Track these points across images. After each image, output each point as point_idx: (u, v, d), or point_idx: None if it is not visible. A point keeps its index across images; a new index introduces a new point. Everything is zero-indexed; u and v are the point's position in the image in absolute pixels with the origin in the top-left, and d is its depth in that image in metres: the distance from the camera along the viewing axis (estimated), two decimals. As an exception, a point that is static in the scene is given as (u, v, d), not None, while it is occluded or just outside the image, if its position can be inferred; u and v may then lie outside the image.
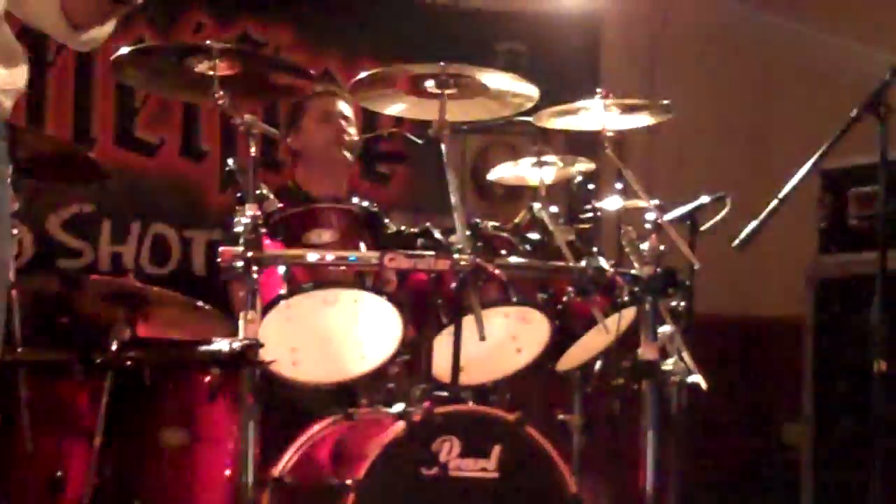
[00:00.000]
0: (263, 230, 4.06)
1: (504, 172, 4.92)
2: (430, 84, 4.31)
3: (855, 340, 4.72)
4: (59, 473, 4.14)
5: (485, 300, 4.27)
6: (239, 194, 4.12)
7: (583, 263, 4.40)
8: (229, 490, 4.15)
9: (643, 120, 4.66)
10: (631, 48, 7.22)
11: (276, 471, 4.31)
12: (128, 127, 6.16)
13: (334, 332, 4.37)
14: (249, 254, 3.98)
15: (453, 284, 4.20)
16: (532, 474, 4.20)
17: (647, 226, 4.35)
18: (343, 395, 4.58)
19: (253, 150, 4.09)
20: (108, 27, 3.22)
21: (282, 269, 4.27)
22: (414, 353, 4.43)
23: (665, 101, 4.59)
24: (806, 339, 5.56)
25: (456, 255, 4.13)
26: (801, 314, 5.62)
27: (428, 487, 4.07)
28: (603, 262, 4.40)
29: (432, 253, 4.27)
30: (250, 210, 4.02)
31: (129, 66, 4.20)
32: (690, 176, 6.24)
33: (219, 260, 4.02)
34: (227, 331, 4.33)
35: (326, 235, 4.42)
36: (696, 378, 4.14)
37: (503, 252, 4.50)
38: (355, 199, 4.74)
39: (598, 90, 4.49)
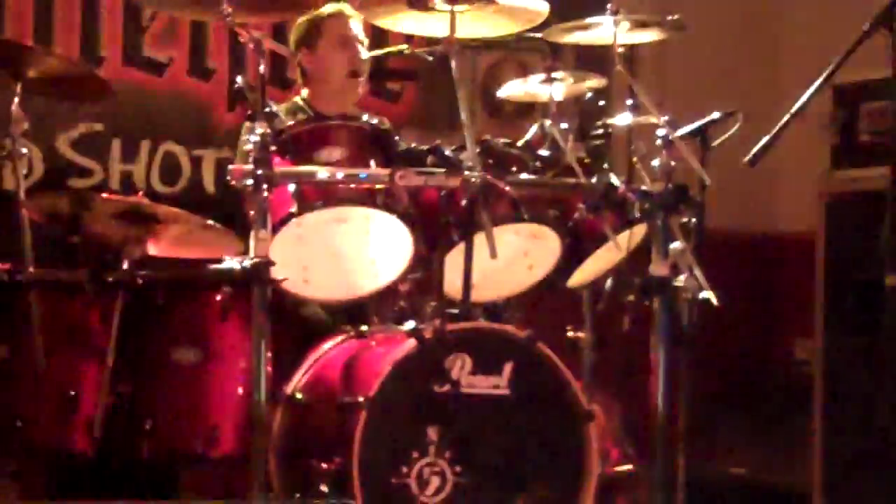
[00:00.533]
0: (273, 148, 4.05)
1: (514, 89, 4.89)
2: (439, -1, 4.28)
3: (866, 256, 4.70)
4: (71, 393, 4.15)
5: (496, 217, 4.26)
6: (248, 112, 4.10)
7: (594, 180, 4.39)
8: (242, 408, 4.17)
9: (654, 35, 4.63)
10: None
11: (289, 388, 4.33)
12: (136, 45, 6.13)
13: (345, 250, 4.37)
14: (259, 172, 3.97)
15: (464, 202, 4.20)
16: (543, 391, 4.22)
17: (658, 142, 4.32)
18: (354, 313, 4.59)
19: (262, 67, 4.07)
20: None
21: (292, 188, 4.27)
22: (425, 270, 4.43)
23: (675, 16, 4.55)
24: (817, 254, 5.54)
25: (467, 173, 4.13)
26: (812, 230, 5.61)
27: (440, 404, 4.09)
28: (614, 179, 4.40)
29: (443, 170, 4.27)
30: (259, 128, 4.00)
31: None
32: (702, 92, 6.19)
33: (228, 178, 4.02)
34: (238, 249, 4.34)
35: (336, 153, 4.41)
36: (708, 294, 4.14)
37: (514, 169, 4.49)
38: (365, 117, 4.71)
39: (609, 5, 4.46)
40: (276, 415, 4.25)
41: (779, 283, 6.71)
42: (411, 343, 4.13)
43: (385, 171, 4.22)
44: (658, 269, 4.28)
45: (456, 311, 4.30)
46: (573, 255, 4.58)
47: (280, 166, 4.19)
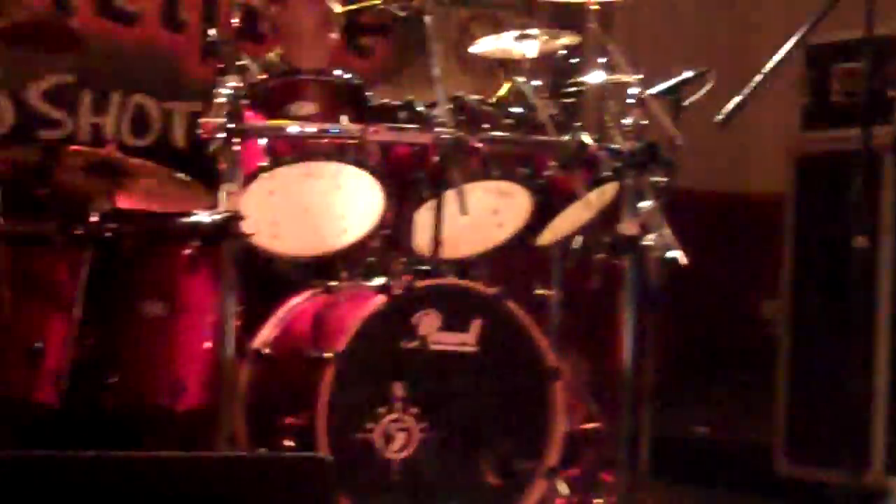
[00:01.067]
0: (244, 102, 4.04)
1: (487, 46, 4.87)
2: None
3: (836, 217, 4.71)
4: (38, 344, 4.15)
5: (466, 174, 4.26)
6: (220, 65, 4.08)
7: (565, 137, 4.39)
8: (209, 361, 4.17)
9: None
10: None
11: (256, 343, 4.33)
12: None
13: (315, 205, 4.35)
14: (230, 125, 3.96)
15: (435, 159, 4.19)
16: (511, 348, 4.23)
17: (631, 101, 4.32)
18: (323, 268, 4.58)
19: (234, 20, 4.05)
20: None
21: (263, 142, 4.25)
22: (395, 226, 4.42)
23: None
24: (787, 215, 5.55)
25: (438, 129, 4.12)
26: (782, 191, 5.61)
27: (408, 360, 4.09)
28: (585, 137, 4.39)
29: (415, 126, 4.26)
30: (231, 81, 3.99)
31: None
32: (675, 51, 6.19)
33: (199, 131, 4.01)
34: (208, 203, 4.33)
35: (308, 108, 4.40)
36: (676, 254, 4.14)
37: (485, 126, 4.48)
38: (337, 72, 4.69)
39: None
40: (242, 369, 4.25)
41: (749, 244, 6.72)
42: (380, 299, 4.13)
43: (357, 127, 4.21)
44: (628, 227, 4.29)
45: (425, 267, 4.30)
46: (543, 213, 4.58)
47: (251, 120, 4.18)
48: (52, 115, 5.93)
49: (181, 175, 4.48)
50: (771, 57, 4.13)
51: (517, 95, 4.62)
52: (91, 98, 5.99)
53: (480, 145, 4.27)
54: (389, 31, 6.26)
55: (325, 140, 4.28)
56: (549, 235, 4.68)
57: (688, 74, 4.75)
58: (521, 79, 4.62)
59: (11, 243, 4.19)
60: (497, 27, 5.81)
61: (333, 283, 4.47)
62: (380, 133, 4.23)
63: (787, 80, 4.93)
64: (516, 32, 4.71)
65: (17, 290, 4.15)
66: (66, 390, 4.14)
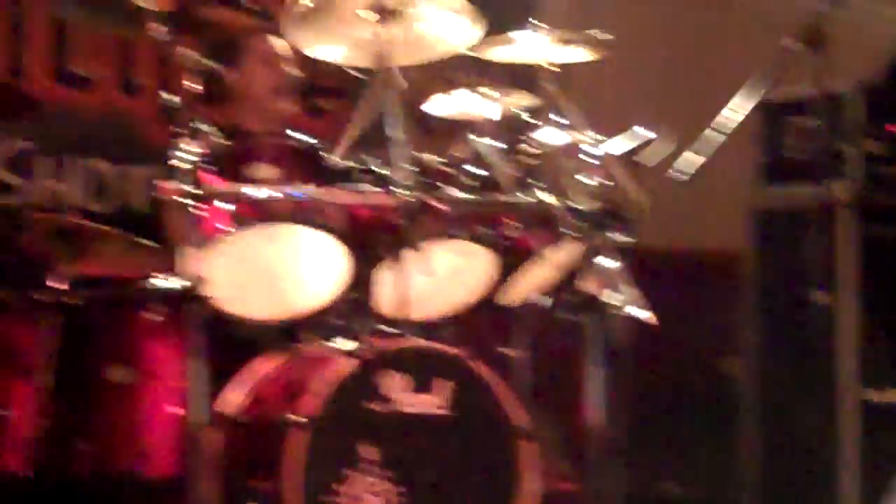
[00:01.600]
0: (201, 165, 4.04)
1: (440, 104, 4.88)
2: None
3: (795, 272, 4.75)
4: (2, 413, 4.11)
5: (429, 235, 4.27)
6: (177, 129, 4.08)
7: (525, 197, 4.41)
8: (176, 427, 4.14)
9: (584, 54, 4.65)
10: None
11: (225, 407, 4.30)
12: (63, 61, 6.07)
13: (278, 268, 4.35)
14: (188, 189, 3.96)
15: (398, 220, 4.20)
16: (480, 409, 4.22)
17: (591, 160, 4.35)
18: (289, 330, 4.57)
19: (191, 84, 4.06)
20: None
21: (223, 204, 4.25)
22: (359, 288, 4.42)
23: (604, 35, 4.57)
24: (746, 271, 5.59)
25: (400, 192, 4.13)
26: (741, 247, 5.65)
27: (376, 424, 4.08)
28: (546, 196, 4.41)
29: (378, 189, 4.27)
30: (188, 145, 3.99)
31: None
32: (635, 111, 6.23)
33: (155, 195, 4.01)
34: (169, 267, 4.31)
35: (266, 170, 4.39)
36: (641, 312, 4.16)
37: (444, 186, 4.49)
38: (295, 134, 4.70)
39: (531, 21, 4.48)
40: (212, 434, 4.22)
41: (708, 301, 6.75)
42: (349, 362, 4.12)
43: (317, 189, 4.22)
44: (590, 286, 4.31)
45: (392, 330, 4.30)
46: (507, 273, 4.59)
47: (209, 184, 4.18)
48: (10, 181, 5.91)
49: (142, 240, 4.46)
50: (730, 115, 4.17)
51: (474, 155, 4.63)
52: (48, 163, 5.98)
53: (445, 207, 4.28)
54: (346, 94, 6.27)
55: (285, 202, 4.28)
56: (514, 294, 4.69)
57: (647, 134, 4.78)
58: (477, 138, 4.64)
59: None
60: (451, 86, 5.83)
61: (299, 346, 4.46)
62: (342, 196, 4.24)
63: (741, 137, 4.98)
64: (467, 91, 4.72)
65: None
66: (33, 459, 4.10)
